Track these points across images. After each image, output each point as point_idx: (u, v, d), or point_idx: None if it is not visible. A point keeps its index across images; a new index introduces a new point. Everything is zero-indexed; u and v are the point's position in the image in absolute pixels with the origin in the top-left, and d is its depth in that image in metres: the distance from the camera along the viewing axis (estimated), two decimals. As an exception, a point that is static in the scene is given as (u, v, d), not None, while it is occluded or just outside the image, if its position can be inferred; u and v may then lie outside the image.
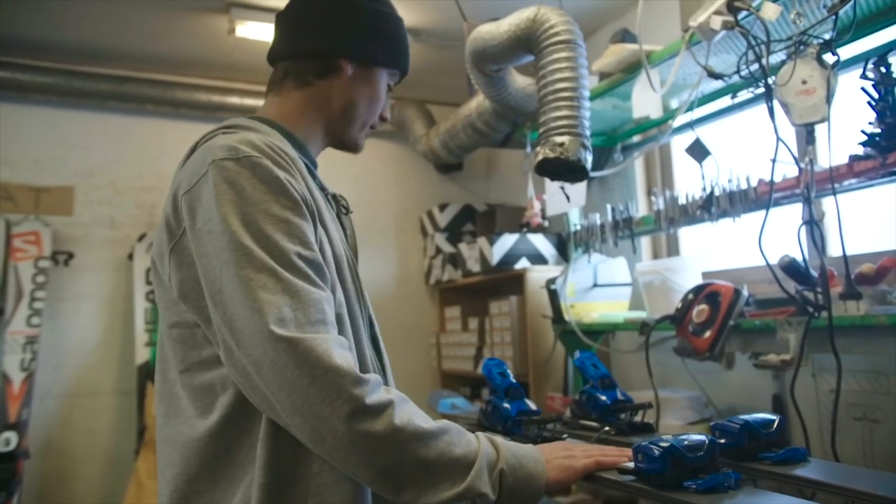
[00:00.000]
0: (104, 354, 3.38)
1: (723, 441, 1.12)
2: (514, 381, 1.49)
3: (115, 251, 3.45)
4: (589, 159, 1.88)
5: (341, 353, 0.87)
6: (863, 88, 1.58)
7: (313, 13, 1.14)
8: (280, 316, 0.85)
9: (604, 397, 1.49)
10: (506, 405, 1.44)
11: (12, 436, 2.87)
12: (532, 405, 1.46)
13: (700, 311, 1.93)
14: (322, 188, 1.15)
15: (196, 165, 0.96)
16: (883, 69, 1.58)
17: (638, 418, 1.48)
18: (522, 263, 3.12)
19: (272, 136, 1.03)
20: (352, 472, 0.89)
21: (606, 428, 1.45)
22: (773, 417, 1.17)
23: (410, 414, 0.90)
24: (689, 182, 2.76)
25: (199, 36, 3.18)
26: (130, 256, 3.42)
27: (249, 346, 0.86)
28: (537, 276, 3.01)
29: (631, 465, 1.05)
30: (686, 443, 1.01)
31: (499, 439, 0.99)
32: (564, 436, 1.37)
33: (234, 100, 3.51)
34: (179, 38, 3.22)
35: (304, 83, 1.13)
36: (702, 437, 1.03)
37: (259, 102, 3.50)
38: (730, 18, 1.59)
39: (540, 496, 0.98)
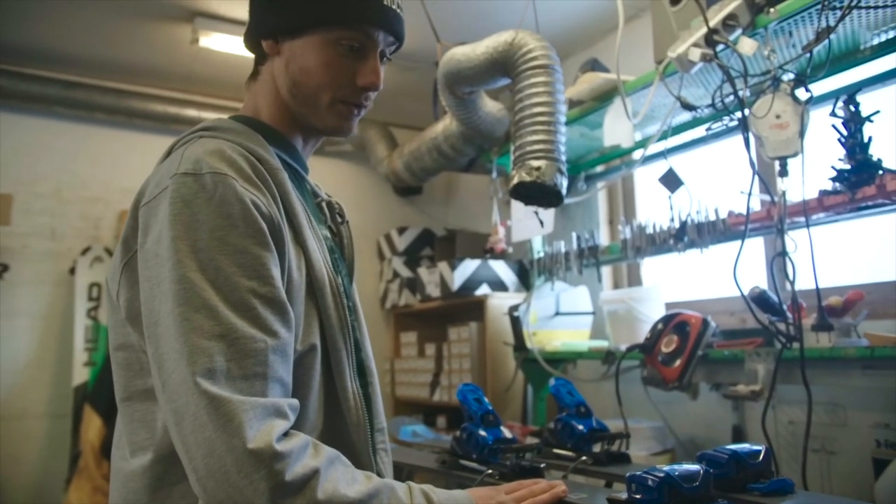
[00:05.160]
0: (35, 375, 3.18)
1: (711, 471, 1.10)
2: (490, 407, 1.44)
3: (55, 264, 3.26)
4: (564, 184, 1.88)
5: (264, 423, 0.77)
6: (833, 126, 1.63)
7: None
8: (210, 366, 0.76)
9: (580, 426, 1.46)
10: (482, 433, 1.38)
11: (-70, 461, 2.64)
12: (508, 433, 1.41)
13: (669, 340, 1.93)
14: (315, 195, 1.07)
15: (161, 175, 0.87)
16: (852, 107, 1.63)
17: (614, 448, 1.45)
18: (483, 290, 3.10)
19: (252, 141, 0.94)
20: None
21: (584, 458, 1.41)
22: (759, 448, 1.15)
23: (336, 481, 0.80)
24: (651, 213, 2.79)
25: (159, 44, 3.08)
26: (72, 270, 3.23)
27: (174, 392, 0.77)
28: (498, 302, 2.99)
29: (623, 495, 1.02)
30: (679, 473, 0.99)
31: (435, 495, 0.90)
32: (542, 465, 1.33)
33: (192, 112, 3.40)
34: (138, 46, 3.10)
35: (255, 74, 1.05)
36: (696, 467, 1.01)
37: (218, 116, 3.42)
38: (708, 51, 1.62)
39: None
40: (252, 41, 1.03)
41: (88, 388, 3.07)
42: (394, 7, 0.98)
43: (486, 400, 1.46)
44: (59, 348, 3.21)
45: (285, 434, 0.78)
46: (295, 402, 0.83)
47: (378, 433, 1.04)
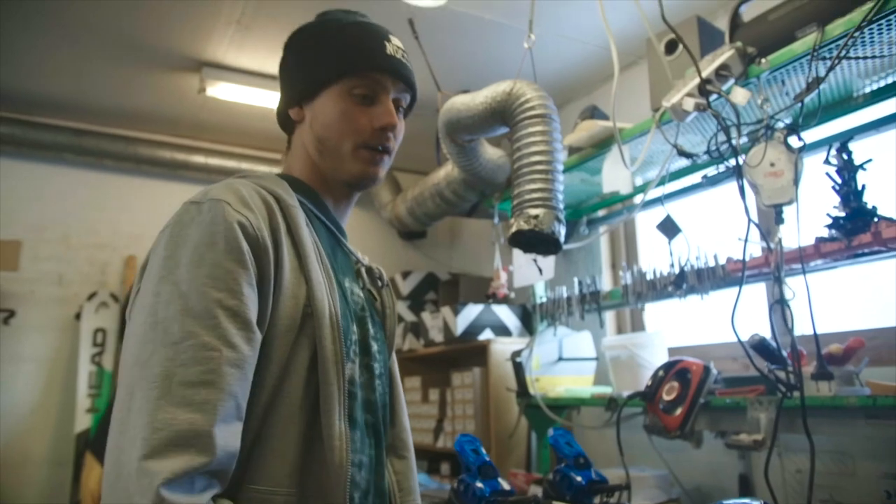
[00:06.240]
0: (38, 421, 3.17)
1: (709, 527, 1.08)
2: (487, 458, 1.42)
3: (61, 310, 3.28)
4: (562, 232, 1.89)
5: (170, 448, 0.73)
6: (827, 174, 1.64)
7: None
8: (156, 370, 0.77)
9: (579, 478, 1.44)
10: (479, 485, 1.37)
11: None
12: (506, 485, 1.39)
13: (670, 387, 1.91)
14: (356, 260, 1.14)
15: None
16: (845, 155, 1.64)
17: (613, 500, 1.43)
18: (486, 334, 3.08)
19: (276, 185, 0.99)
20: None
21: (582, 510, 1.39)
22: (759, 503, 1.14)
23: None
24: (653, 257, 2.79)
25: (167, 93, 3.15)
26: (78, 316, 3.25)
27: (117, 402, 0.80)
28: (501, 347, 2.97)
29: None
30: (675, 529, 0.97)
31: None
32: (540, 518, 1.31)
33: (199, 158, 3.45)
34: (147, 95, 3.18)
35: (288, 143, 1.14)
36: (691, 524, 0.99)
37: (224, 162, 3.47)
38: (702, 101, 1.64)
39: None
40: (282, 116, 1.12)
41: (90, 436, 3.06)
42: (398, 56, 1.08)
43: (483, 451, 1.45)
44: (63, 394, 3.21)
45: (205, 475, 0.75)
46: (233, 447, 0.79)
47: None
